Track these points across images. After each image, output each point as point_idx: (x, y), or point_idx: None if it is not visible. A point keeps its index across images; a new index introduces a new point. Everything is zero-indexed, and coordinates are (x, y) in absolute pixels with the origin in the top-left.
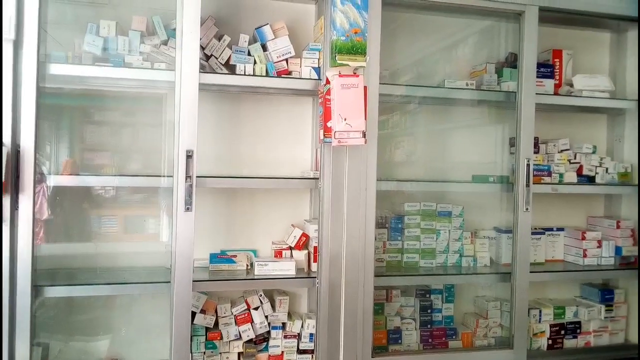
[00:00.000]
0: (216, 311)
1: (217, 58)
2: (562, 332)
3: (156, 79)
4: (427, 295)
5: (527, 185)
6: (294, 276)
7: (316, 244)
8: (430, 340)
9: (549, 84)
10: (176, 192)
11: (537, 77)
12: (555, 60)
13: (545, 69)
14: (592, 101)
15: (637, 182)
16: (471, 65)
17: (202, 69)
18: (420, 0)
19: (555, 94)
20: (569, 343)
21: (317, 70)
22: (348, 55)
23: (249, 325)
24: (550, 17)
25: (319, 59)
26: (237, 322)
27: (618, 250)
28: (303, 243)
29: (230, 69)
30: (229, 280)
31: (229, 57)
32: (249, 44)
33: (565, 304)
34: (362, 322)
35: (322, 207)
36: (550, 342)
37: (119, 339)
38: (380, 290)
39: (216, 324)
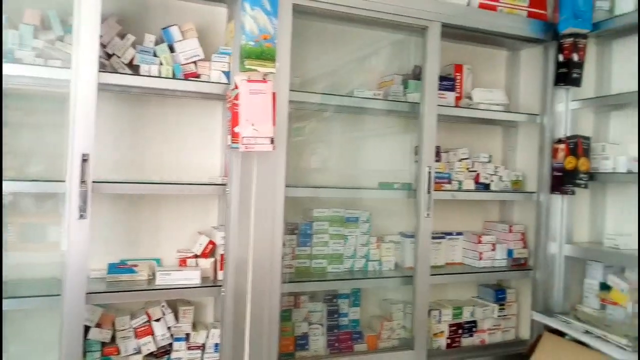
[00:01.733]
0: (114, 324)
1: (119, 57)
2: (460, 331)
3: (52, 77)
4: (335, 300)
5: (429, 192)
6: (198, 285)
7: (223, 252)
8: (336, 344)
9: (451, 96)
10: (69, 198)
11: (440, 89)
12: (457, 74)
13: (448, 82)
14: (490, 114)
15: (528, 190)
16: (381, 76)
17: (103, 68)
18: (329, 9)
19: (456, 106)
20: (466, 341)
21: (227, 74)
22: (257, 61)
23: (149, 338)
24: (453, 33)
25: (229, 63)
26: (137, 335)
27: (510, 252)
28: (210, 251)
29: (135, 69)
30: (129, 292)
31: (133, 57)
32: (156, 44)
33: (463, 304)
34: (268, 330)
35: (229, 214)
36: (449, 341)
37: (7, 357)
38: (288, 297)
39: (114, 338)
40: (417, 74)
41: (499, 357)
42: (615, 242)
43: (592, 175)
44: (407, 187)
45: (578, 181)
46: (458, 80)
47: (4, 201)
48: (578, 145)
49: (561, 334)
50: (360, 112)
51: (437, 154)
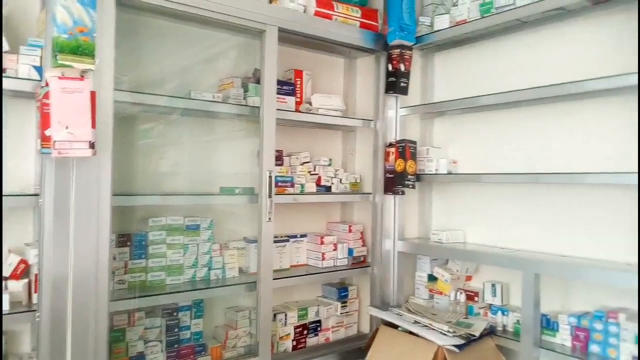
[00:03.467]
0: None
1: None
2: (305, 332)
3: None
4: (175, 314)
5: (270, 196)
6: (7, 312)
7: (38, 271)
8: None
9: (291, 101)
10: None
11: (280, 94)
12: (297, 79)
13: (288, 87)
14: (328, 119)
15: (366, 191)
16: (222, 78)
17: None
18: (158, 5)
19: (297, 110)
20: (312, 341)
21: (39, 69)
22: (72, 56)
23: None
24: (292, 39)
25: (41, 57)
26: None
27: (350, 251)
28: (22, 271)
29: None
30: None
31: None
32: None
33: (308, 305)
34: (94, 354)
35: (42, 228)
36: (294, 343)
37: None
38: (121, 315)
39: None
40: (257, 78)
41: (342, 353)
42: (439, 237)
43: (418, 177)
44: (249, 192)
45: (407, 182)
46: (298, 86)
47: None
48: (406, 149)
49: (396, 326)
50: (205, 115)
51: (280, 157)
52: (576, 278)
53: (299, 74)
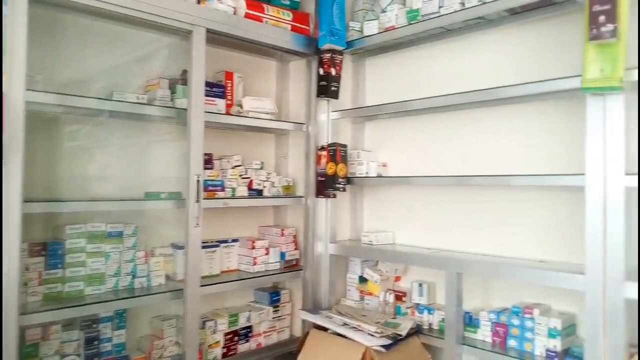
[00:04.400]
0: None
1: None
2: (236, 338)
3: None
4: (95, 326)
5: (198, 200)
6: None
7: None
8: None
9: (221, 103)
10: None
11: (210, 96)
12: (228, 81)
13: (218, 89)
14: (259, 122)
15: (298, 194)
16: (148, 79)
17: None
18: (75, 1)
19: (227, 113)
20: (243, 347)
21: None
22: None
23: None
24: (223, 40)
25: None
26: None
27: (283, 255)
28: None
29: None
30: None
31: None
32: None
33: (240, 311)
34: None
35: None
36: (225, 350)
37: None
38: (35, 329)
39: None
40: (185, 79)
41: (273, 358)
42: (370, 239)
43: (349, 180)
44: (176, 197)
45: (337, 185)
46: (229, 88)
47: None
48: (337, 152)
49: (326, 328)
50: (132, 117)
51: (210, 161)
52: (495, 276)
53: (229, 76)
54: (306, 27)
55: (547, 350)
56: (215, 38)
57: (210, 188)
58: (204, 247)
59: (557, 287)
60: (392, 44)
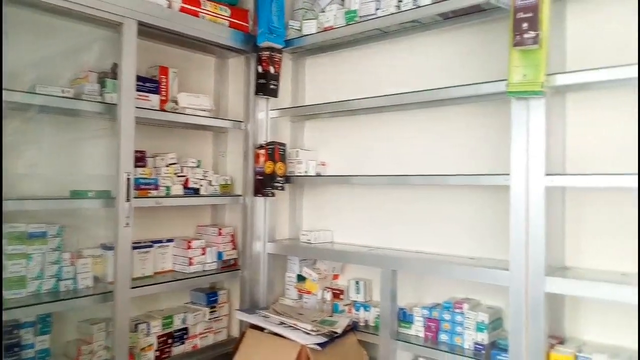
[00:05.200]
0: None
1: None
2: (170, 340)
3: None
4: (16, 332)
5: (128, 199)
6: None
7: None
8: None
9: (155, 99)
10: None
11: (143, 91)
12: (162, 76)
13: (152, 84)
14: (195, 119)
15: (236, 193)
16: (77, 72)
17: None
18: None
19: (161, 109)
20: (177, 350)
21: None
22: None
23: None
24: (159, 34)
25: None
26: None
27: (220, 255)
28: None
29: None
30: None
31: None
32: None
33: (175, 312)
34: None
35: None
36: (158, 353)
37: None
38: None
39: None
40: (116, 73)
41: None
42: (308, 238)
43: (288, 178)
44: (105, 195)
45: (276, 184)
46: (163, 83)
47: None
48: (275, 151)
49: (263, 328)
50: (60, 112)
51: (142, 158)
52: (428, 273)
53: (164, 71)
54: (245, 24)
55: (475, 343)
56: (149, 32)
57: (143, 186)
58: (136, 248)
59: (485, 283)
60: (331, 44)
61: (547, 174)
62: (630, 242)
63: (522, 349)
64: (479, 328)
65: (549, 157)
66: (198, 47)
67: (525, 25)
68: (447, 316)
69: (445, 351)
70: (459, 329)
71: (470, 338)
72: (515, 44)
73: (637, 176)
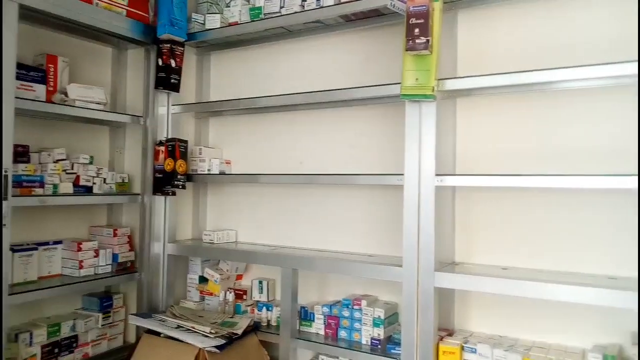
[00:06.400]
0: None
1: None
2: (57, 350)
3: None
4: None
5: (5, 198)
6: None
7: None
8: None
9: (41, 89)
10: None
11: (27, 81)
12: (50, 65)
13: (37, 73)
14: (87, 112)
15: (134, 192)
16: None
17: None
18: None
19: (48, 101)
20: (65, 359)
21: None
22: None
23: None
24: (48, 20)
25: None
26: None
27: (115, 257)
28: None
29: None
30: None
31: None
32: None
33: (63, 320)
34: None
35: None
36: None
37: None
38: None
39: None
40: None
41: None
42: (211, 238)
43: (190, 177)
44: None
45: (176, 182)
46: (51, 73)
47: None
48: (176, 148)
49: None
50: None
51: (25, 153)
52: (327, 271)
53: (52, 59)
54: (144, 14)
55: (372, 338)
56: (35, 16)
57: (26, 184)
58: (17, 251)
59: (382, 279)
60: (237, 40)
61: (437, 174)
62: (509, 239)
63: (414, 342)
64: (376, 323)
65: (440, 158)
66: (93, 36)
67: (417, 30)
68: (346, 313)
69: (344, 347)
70: (357, 325)
71: (367, 333)
72: (408, 49)
73: (637, 177)
